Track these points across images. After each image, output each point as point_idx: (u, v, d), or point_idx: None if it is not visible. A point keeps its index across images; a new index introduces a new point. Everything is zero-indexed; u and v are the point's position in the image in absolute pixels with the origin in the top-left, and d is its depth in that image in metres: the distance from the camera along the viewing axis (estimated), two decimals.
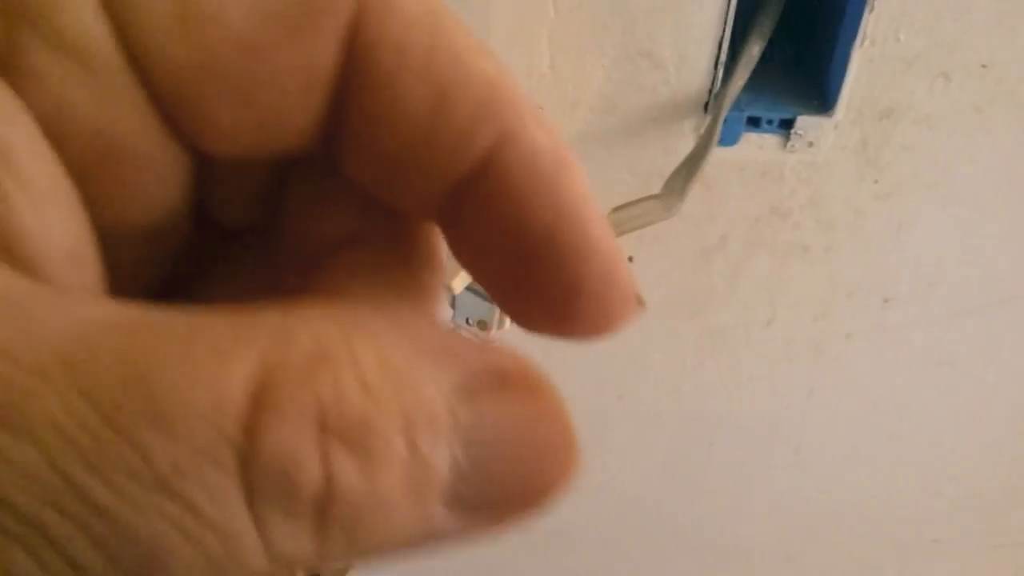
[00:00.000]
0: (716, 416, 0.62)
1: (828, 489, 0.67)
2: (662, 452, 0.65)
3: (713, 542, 0.72)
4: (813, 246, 0.52)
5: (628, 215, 0.35)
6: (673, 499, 0.68)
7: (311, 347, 0.10)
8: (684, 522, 0.70)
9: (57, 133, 0.11)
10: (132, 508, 0.09)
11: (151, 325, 0.10)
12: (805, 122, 0.47)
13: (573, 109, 0.47)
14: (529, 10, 0.44)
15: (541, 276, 0.13)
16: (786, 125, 0.47)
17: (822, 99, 0.47)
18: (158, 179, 0.13)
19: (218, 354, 0.10)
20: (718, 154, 0.47)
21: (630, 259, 0.52)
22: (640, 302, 0.14)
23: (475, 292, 0.43)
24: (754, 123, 0.47)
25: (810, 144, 0.47)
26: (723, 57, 0.45)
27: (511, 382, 0.11)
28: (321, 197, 0.15)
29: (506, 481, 0.11)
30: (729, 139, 0.47)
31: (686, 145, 0.46)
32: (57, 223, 0.11)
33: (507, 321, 0.34)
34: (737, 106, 0.46)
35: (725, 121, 0.44)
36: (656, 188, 0.41)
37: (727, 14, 0.44)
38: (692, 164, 0.41)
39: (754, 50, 0.44)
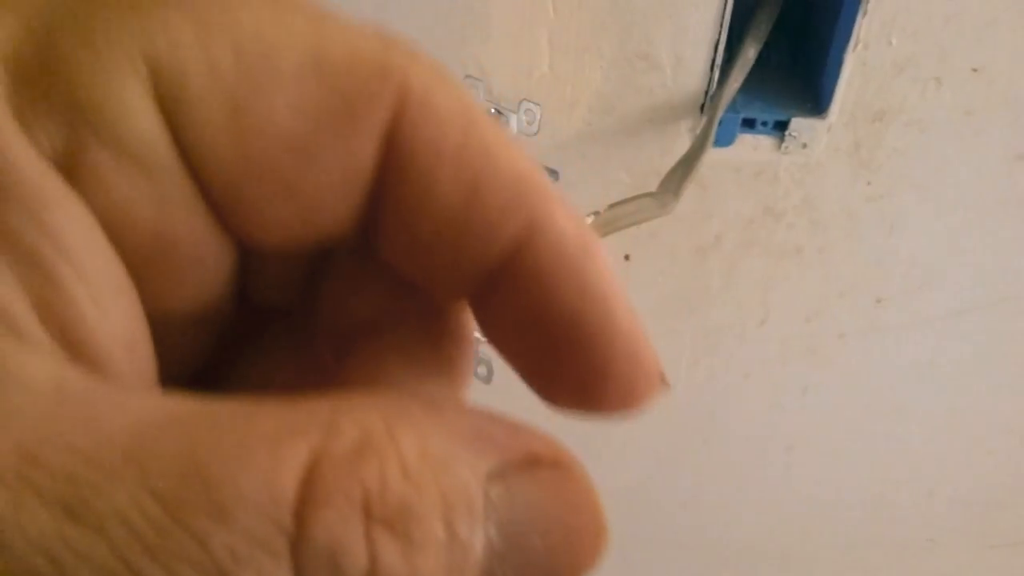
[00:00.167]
0: (710, 414, 0.62)
1: (821, 488, 0.68)
2: (655, 449, 0.66)
3: (706, 539, 0.72)
4: (806, 246, 0.53)
5: (623, 211, 0.36)
6: (666, 495, 0.69)
7: (356, 436, 0.11)
8: (677, 518, 0.71)
9: (114, 229, 0.12)
10: None
11: (205, 417, 0.11)
12: (799, 124, 0.47)
13: (572, 109, 0.48)
14: (529, 11, 0.45)
15: (569, 357, 0.14)
16: (780, 127, 0.48)
17: (816, 102, 0.48)
18: (206, 269, 0.14)
19: (270, 445, 0.10)
20: (713, 155, 0.48)
21: (626, 257, 0.53)
22: (664, 381, 0.14)
23: None
24: (749, 125, 0.48)
25: (804, 146, 0.48)
26: (719, 60, 0.46)
27: (542, 464, 0.12)
28: (356, 279, 0.16)
29: (538, 560, 0.12)
30: (724, 140, 0.48)
31: (682, 145, 0.47)
32: (115, 314, 0.12)
33: None
34: (732, 108, 0.47)
35: (721, 122, 0.45)
36: (653, 187, 0.41)
37: (723, 18, 0.45)
38: (688, 164, 0.42)
39: (750, 53, 0.45)
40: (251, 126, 0.12)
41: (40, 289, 0.11)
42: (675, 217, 0.47)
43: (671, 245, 0.53)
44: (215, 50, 0.12)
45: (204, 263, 0.13)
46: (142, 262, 0.13)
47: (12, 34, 0.11)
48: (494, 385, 0.50)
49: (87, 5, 0.12)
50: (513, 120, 0.37)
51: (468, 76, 0.39)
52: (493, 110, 0.37)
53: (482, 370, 0.50)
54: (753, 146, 0.49)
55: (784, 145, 0.48)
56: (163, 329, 0.14)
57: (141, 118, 0.12)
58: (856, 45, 0.45)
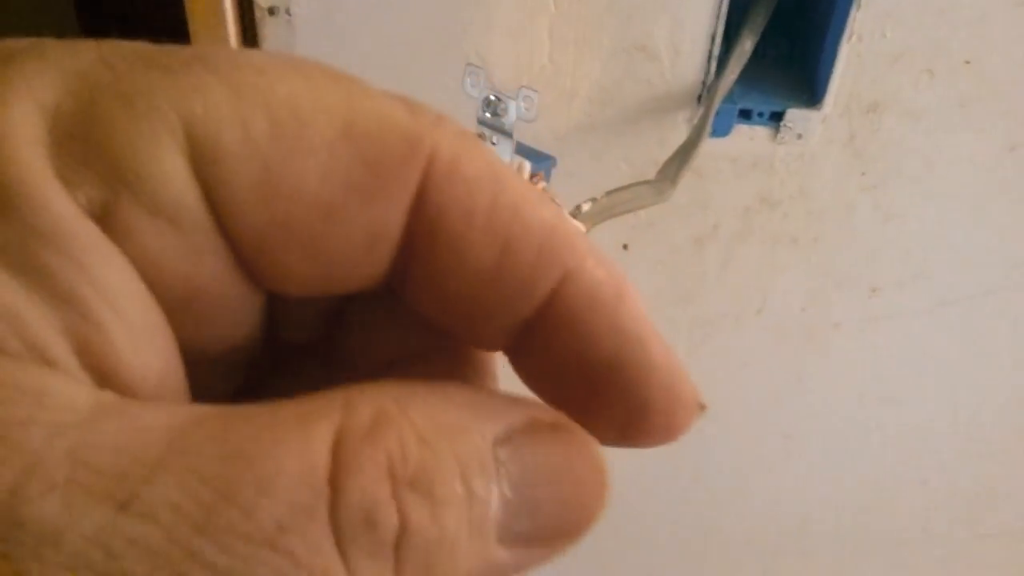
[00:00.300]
0: (707, 403, 0.63)
1: (817, 476, 0.69)
2: None
3: (702, 527, 0.73)
4: (802, 236, 0.53)
5: (620, 198, 0.37)
6: (662, 485, 0.70)
7: (372, 413, 0.12)
8: (673, 507, 0.72)
9: (147, 277, 0.13)
10: (242, 563, 0.11)
11: (235, 412, 0.12)
12: (795, 115, 0.48)
13: (571, 100, 0.49)
14: (530, 4, 0.46)
15: (608, 396, 0.14)
16: (776, 118, 0.49)
17: (811, 93, 0.49)
18: (234, 312, 0.14)
19: (298, 425, 0.11)
20: (710, 145, 0.49)
21: (624, 247, 0.54)
22: (702, 407, 0.15)
23: None
24: (745, 115, 0.49)
25: (799, 136, 0.49)
26: (716, 51, 0.47)
27: (544, 427, 0.13)
28: (384, 320, 0.17)
29: (549, 512, 0.13)
30: (721, 131, 0.49)
31: (680, 136, 0.48)
32: (149, 350, 0.13)
33: None
34: (729, 99, 0.47)
35: (717, 113, 0.46)
36: (651, 176, 0.42)
37: (720, 10, 0.46)
38: (685, 153, 0.43)
39: (746, 45, 0.46)
40: (281, 189, 0.13)
41: (78, 327, 0.12)
42: (672, 206, 0.48)
43: (669, 235, 0.54)
44: (249, 115, 0.12)
45: (232, 307, 0.14)
46: (174, 306, 0.13)
47: (55, 91, 0.12)
48: None
49: (128, 65, 0.12)
50: (512, 107, 0.37)
51: (470, 64, 0.40)
52: (492, 97, 0.38)
53: None
54: (749, 137, 0.50)
55: (780, 136, 0.49)
56: (194, 364, 0.14)
57: (175, 179, 0.12)
58: (851, 37, 0.45)
